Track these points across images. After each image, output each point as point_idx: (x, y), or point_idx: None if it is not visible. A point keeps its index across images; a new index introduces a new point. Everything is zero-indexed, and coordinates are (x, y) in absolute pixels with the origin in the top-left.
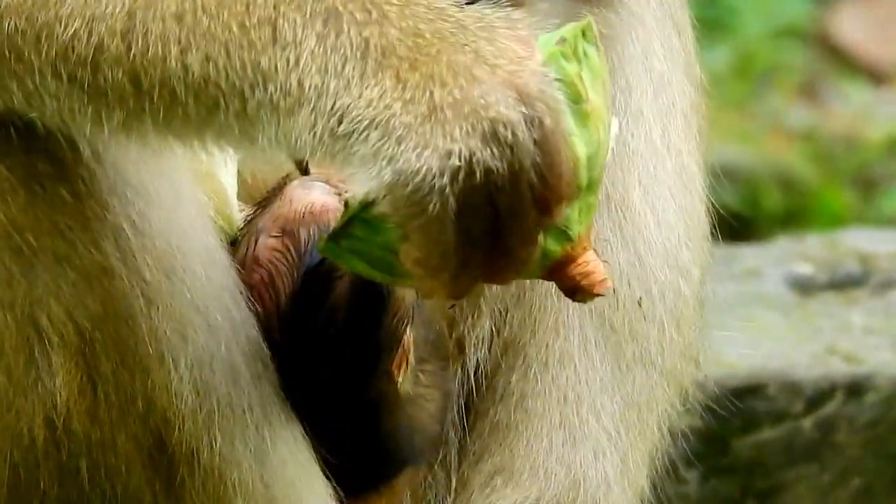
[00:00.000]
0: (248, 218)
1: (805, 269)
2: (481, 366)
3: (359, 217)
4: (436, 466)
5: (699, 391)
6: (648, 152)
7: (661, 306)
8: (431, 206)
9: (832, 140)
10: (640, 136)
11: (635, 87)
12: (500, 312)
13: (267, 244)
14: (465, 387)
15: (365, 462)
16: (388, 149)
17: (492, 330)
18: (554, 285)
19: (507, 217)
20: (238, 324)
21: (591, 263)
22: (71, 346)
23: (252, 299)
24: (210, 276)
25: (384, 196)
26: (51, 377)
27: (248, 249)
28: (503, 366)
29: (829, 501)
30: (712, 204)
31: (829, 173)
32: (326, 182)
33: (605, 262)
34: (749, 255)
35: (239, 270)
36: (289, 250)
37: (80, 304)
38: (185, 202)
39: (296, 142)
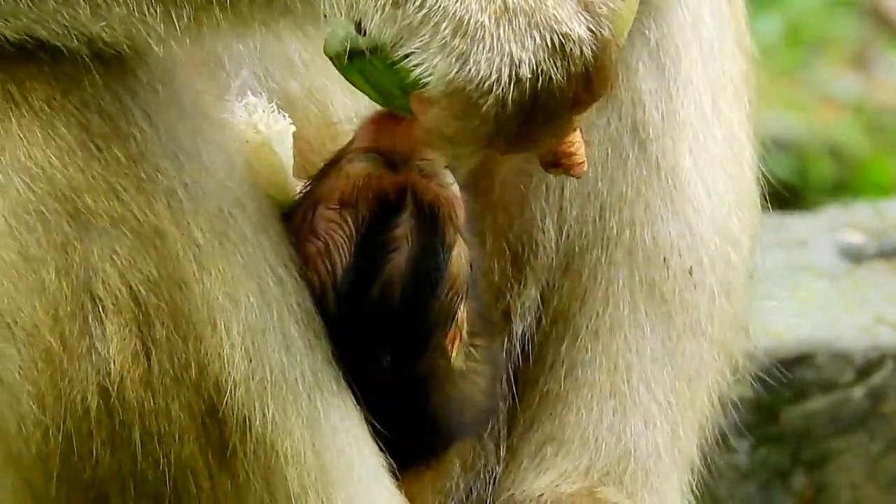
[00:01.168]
0: (305, 189)
1: (854, 238)
2: (527, 335)
3: (384, 56)
4: (485, 436)
5: (749, 361)
6: (698, 121)
7: (712, 276)
8: (486, 106)
9: (881, 110)
10: (689, 105)
11: (685, 55)
12: (548, 283)
13: (324, 215)
14: (513, 357)
15: (416, 436)
16: (461, 46)
17: (538, 300)
18: (604, 255)
19: (543, 113)
20: (290, 292)
21: (575, 145)
22: (125, 312)
23: (308, 270)
24: (262, 243)
25: (438, 83)
26: (104, 344)
27: (304, 220)
28: (552, 335)
29: (878, 470)
30: (762, 173)
31: (878, 143)
32: (382, 155)
33: (587, 142)
34: (798, 223)
35: (294, 241)
36: (346, 222)
37: (134, 268)
38: (236, 170)
39: (354, 4)
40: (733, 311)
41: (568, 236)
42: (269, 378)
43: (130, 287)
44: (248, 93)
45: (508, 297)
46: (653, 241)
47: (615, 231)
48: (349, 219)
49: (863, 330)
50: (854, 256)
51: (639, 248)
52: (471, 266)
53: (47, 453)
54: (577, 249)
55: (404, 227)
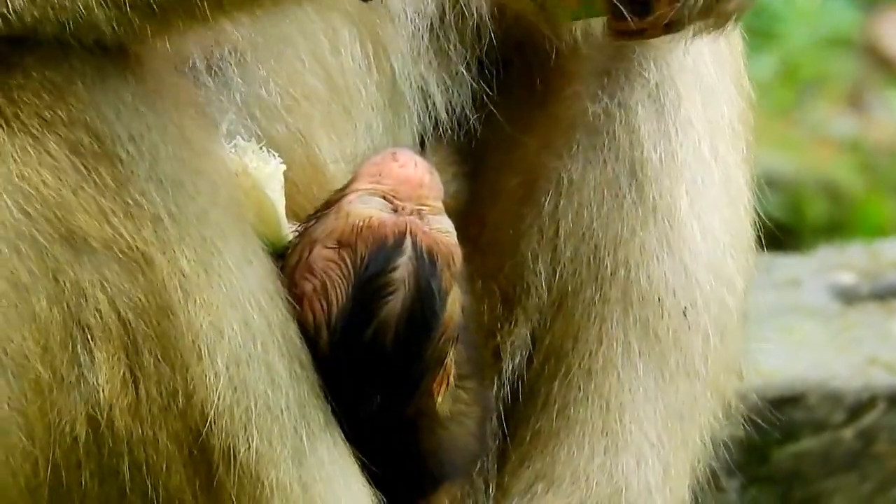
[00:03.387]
0: (301, 229)
1: (847, 278)
2: (517, 374)
3: None
4: (475, 474)
5: (740, 401)
6: (696, 163)
7: (706, 316)
8: None
9: (876, 149)
10: (688, 146)
11: (685, 97)
12: (539, 322)
13: (322, 254)
14: (503, 395)
15: (405, 476)
16: None
17: (529, 339)
18: (598, 295)
19: None
20: (276, 324)
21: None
22: (114, 340)
23: (303, 307)
24: (246, 274)
25: None
26: (93, 373)
27: (300, 258)
28: (544, 374)
29: None
30: (756, 213)
31: (872, 183)
32: (383, 197)
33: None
34: (790, 264)
35: (288, 278)
36: (344, 262)
37: (123, 294)
38: (221, 200)
39: None
40: (727, 353)
41: (561, 276)
42: (253, 408)
43: (119, 314)
44: (238, 136)
45: (498, 336)
46: (647, 280)
47: (609, 271)
48: (347, 259)
49: (855, 371)
50: (847, 297)
51: (633, 288)
52: (462, 311)
53: (36, 485)
54: (570, 289)
55: (402, 271)
